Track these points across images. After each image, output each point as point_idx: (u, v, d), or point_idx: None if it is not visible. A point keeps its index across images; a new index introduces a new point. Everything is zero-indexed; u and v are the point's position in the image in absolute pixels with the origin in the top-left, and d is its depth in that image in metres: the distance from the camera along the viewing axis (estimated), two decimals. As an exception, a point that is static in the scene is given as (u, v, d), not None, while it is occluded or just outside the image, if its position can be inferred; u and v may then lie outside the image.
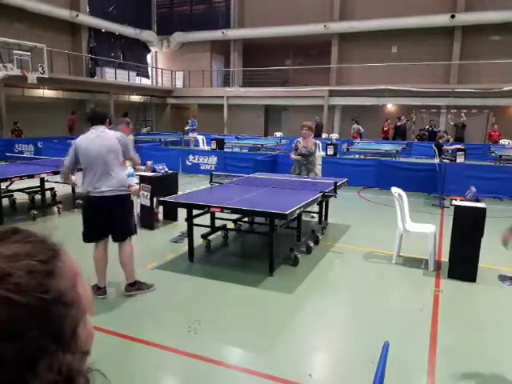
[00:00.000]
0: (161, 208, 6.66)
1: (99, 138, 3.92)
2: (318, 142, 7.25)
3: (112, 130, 4.13)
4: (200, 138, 18.40)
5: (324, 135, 19.32)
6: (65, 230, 6.26)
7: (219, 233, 5.99)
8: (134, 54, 24.55)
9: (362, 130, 19.07)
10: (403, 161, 12.90)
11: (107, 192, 3.86)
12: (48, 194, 7.99)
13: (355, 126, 19.22)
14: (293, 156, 7.12)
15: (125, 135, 4.32)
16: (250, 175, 7.67)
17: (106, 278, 4.10)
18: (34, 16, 18.49)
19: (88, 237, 4.02)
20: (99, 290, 4.03)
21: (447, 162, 10.70)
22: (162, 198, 5.25)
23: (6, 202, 7.43)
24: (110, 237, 4.07)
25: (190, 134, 19.06)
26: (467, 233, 4.59)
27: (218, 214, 5.58)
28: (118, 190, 3.92)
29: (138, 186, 6.52)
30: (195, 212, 5.16)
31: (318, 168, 6.98)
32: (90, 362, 0.54)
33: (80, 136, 4.08)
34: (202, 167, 12.38)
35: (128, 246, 4.08)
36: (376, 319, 3.87)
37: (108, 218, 3.93)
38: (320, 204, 6.23)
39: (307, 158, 7.03)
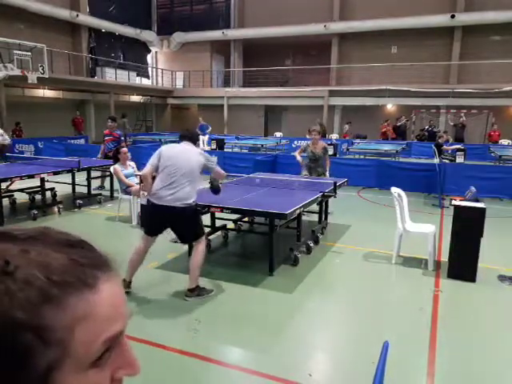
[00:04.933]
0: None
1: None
2: (326, 145, 7.41)
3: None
4: (201, 138, 18.36)
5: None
6: (65, 230, 6.26)
7: (219, 233, 6.00)
8: (134, 54, 24.55)
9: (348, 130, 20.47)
10: (403, 161, 12.90)
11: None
12: (48, 193, 7.99)
13: (346, 125, 20.34)
14: (297, 155, 7.27)
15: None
16: (250, 175, 7.67)
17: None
18: (34, 16, 18.50)
19: None
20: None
21: (447, 162, 10.70)
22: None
23: (6, 202, 7.44)
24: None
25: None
26: (467, 233, 4.60)
27: (218, 214, 5.59)
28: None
29: (138, 187, 6.53)
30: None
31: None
32: None
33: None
34: (202, 167, 12.36)
35: (198, 250, 4.13)
36: (376, 319, 3.87)
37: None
38: (320, 204, 6.23)
39: (316, 161, 7.19)
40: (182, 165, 4.02)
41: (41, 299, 0.41)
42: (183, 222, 4.05)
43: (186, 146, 4.23)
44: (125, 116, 17.49)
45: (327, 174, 7.21)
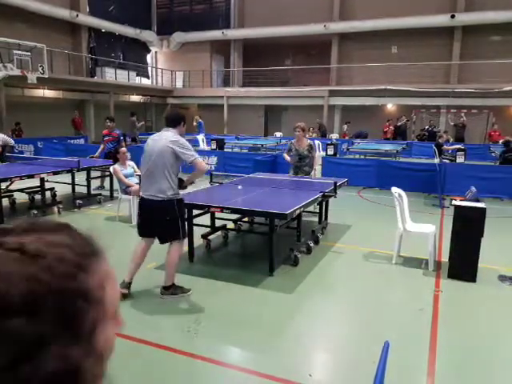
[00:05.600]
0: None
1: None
2: (312, 142, 7.19)
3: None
4: (200, 137, 18.32)
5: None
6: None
7: (219, 233, 5.99)
8: (133, 54, 24.53)
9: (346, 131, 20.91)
10: (403, 161, 12.88)
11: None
12: (48, 194, 7.98)
13: (345, 125, 20.66)
14: (285, 156, 7.21)
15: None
16: (250, 175, 7.67)
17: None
18: (34, 16, 18.47)
19: None
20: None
21: (447, 162, 10.69)
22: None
23: (6, 202, 7.43)
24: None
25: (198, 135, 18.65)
26: (467, 233, 4.59)
27: (217, 214, 5.58)
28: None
29: (138, 186, 6.52)
30: (195, 212, 5.16)
31: (317, 169, 7.07)
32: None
33: None
34: (201, 167, 12.35)
35: (173, 249, 4.07)
36: (376, 319, 3.87)
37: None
38: (320, 204, 6.23)
39: (302, 160, 6.96)
40: (156, 156, 3.88)
41: (77, 269, 0.48)
42: (161, 215, 3.93)
43: (163, 133, 3.99)
44: (134, 114, 17.20)
45: (313, 172, 7.08)
